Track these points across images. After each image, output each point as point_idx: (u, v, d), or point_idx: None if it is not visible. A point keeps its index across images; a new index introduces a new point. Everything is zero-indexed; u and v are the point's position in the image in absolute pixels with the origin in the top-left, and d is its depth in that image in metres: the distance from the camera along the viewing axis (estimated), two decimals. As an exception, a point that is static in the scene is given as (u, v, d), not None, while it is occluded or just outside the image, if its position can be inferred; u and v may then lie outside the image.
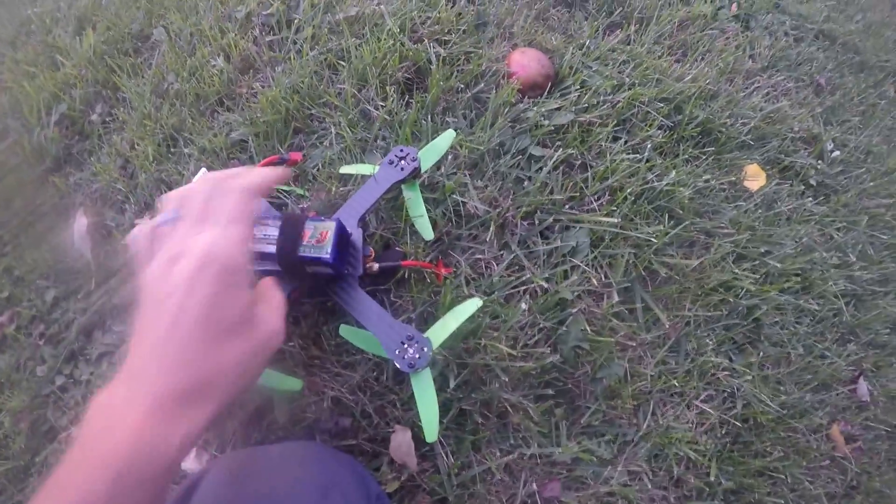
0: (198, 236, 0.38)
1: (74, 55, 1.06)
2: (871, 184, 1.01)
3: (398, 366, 0.50)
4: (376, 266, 0.60)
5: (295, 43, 0.89)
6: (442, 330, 0.53)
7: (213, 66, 0.89)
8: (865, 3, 1.57)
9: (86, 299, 0.85)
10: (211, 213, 0.40)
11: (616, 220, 0.69)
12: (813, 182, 0.94)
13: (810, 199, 0.91)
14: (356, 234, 0.57)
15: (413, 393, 0.52)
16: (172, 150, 0.86)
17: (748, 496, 0.74)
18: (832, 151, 1.01)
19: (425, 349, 0.50)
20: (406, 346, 0.51)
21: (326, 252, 0.50)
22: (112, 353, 0.79)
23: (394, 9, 0.85)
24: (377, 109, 0.77)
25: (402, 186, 0.65)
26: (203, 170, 0.55)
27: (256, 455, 0.52)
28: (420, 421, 0.52)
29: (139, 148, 0.88)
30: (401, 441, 0.62)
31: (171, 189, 0.84)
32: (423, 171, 0.64)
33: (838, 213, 0.94)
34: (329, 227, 0.51)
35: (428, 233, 0.64)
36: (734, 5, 1.12)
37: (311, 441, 0.63)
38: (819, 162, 0.97)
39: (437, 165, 0.70)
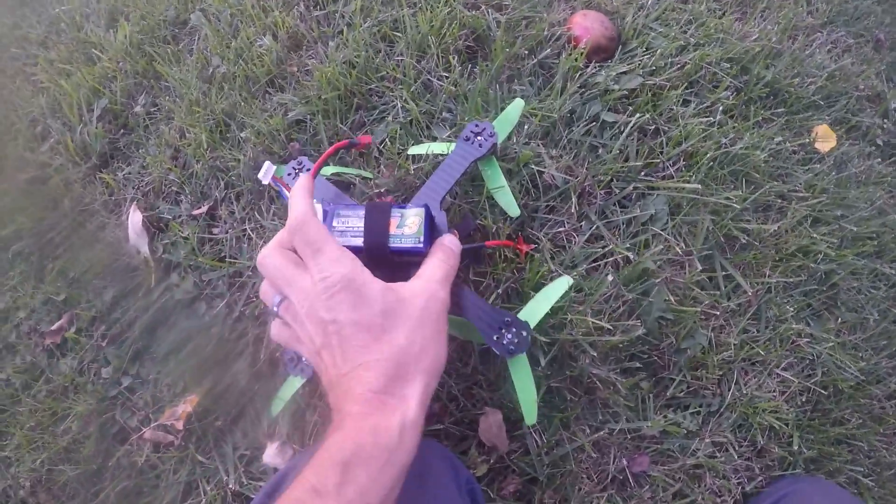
0: (305, 277, 0.40)
1: (110, 48, 1.03)
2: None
3: (497, 352, 0.49)
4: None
5: (343, 16, 0.86)
6: (536, 311, 0.52)
7: (261, 47, 0.87)
8: None
9: (146, 297, 0.83)
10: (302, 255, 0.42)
11: (696, 186, 0.67)
12: (880, 142, 0.91)
13: (878, 159, 0.88)
14: (440, 217, 0.55)
15: (503, 374, 0.51)
16: (227, 135, 0.84)
17: (828, 464, 0.72)
18: (896, 109, 0.97)
19: (524, 333, 0.49)
20: (504, 331, 0.50)
21: (419, 241, 0.48)
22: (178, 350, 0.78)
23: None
24: (440, 80, 0.74)
25: (479, 163, 0.63)
26: (267, 163, 0.53)
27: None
28: (516, 403, 0.52)
29: (190, 135, 0.86)
30: (491, 422, 0.61)
31: (227, 176, 0.82)
32: (498, 144, 0.62)
33: (904, 172, 0.91)
34: (418, 214, 0.49)
35: (514, 209, 0.62)
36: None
37: None
38: (885, 121, 0.94)
39: (509, 136, 0.68)
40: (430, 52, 0.76)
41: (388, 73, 0.77)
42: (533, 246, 0.64)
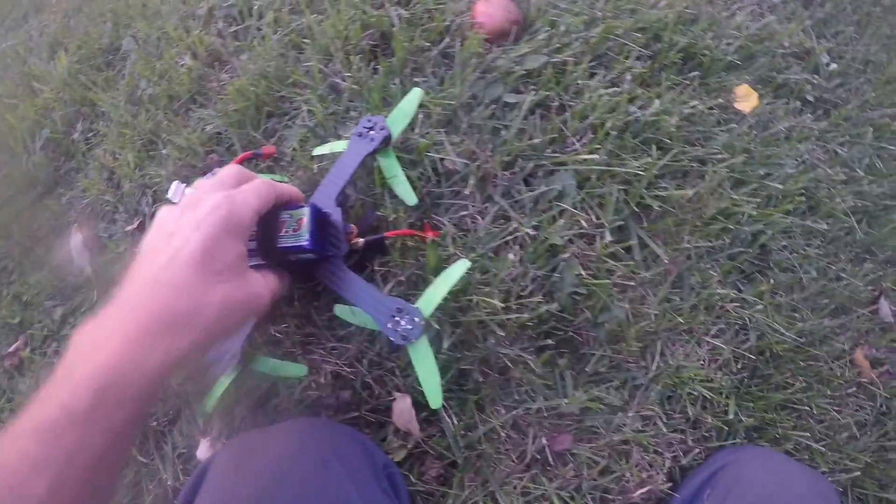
0: (215, 192, 0.43)
1: (50, 79, 1.07)
2: (873, 94, 0.96)
3: (392, 339, 0.50)
4: (361, 241, 0.59)
5: (259, 30, 0.87)
6: (433, 296, 0.52)
7: (182, 66, 0.89)
8: None
9: (91, 311, 0.86)
10: (233, 184, 0.46)
11: (598, 157, 0.67)
12: (810, 98, 0.90)
13: (809, 115, 0.87)
14: (336, 214, 0.56)
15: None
16: (152, 153, 0.86)
17: (772, 431, 0.71)
18: (828, 64, 0.96)
19: (416, 319, 0.50)
20: (397, 318, 0.50)
21: (305, 239, 0.50)
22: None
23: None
24: (344, 81, 0.75)
25: (377, 155, 0.63)
26: (175, 183, 0.56)
27: (258, 436, 0.53)
28: (421, 388, 0.51)
29: (121, 157, 0.89)
30: (402, 408, 0.61)
31: (154, 192, 0.84)
32: (394, 136, 0.62)
33: (840, 128, 0.89)
34: (304, 214, 0.51)
35: (411, 198, 0.62)
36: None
37: (312, 417, 0.62)
38: (815, 77, 0.92)
39: (411, 127, 0.68)
40: (336, 55, 0.77)
41: (297, 78, 0.78)
42: (438, 233, 0.64)
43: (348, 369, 0.63)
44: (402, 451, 0.61)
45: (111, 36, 1.04)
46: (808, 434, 0.72)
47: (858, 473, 0.71)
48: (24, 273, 0.97)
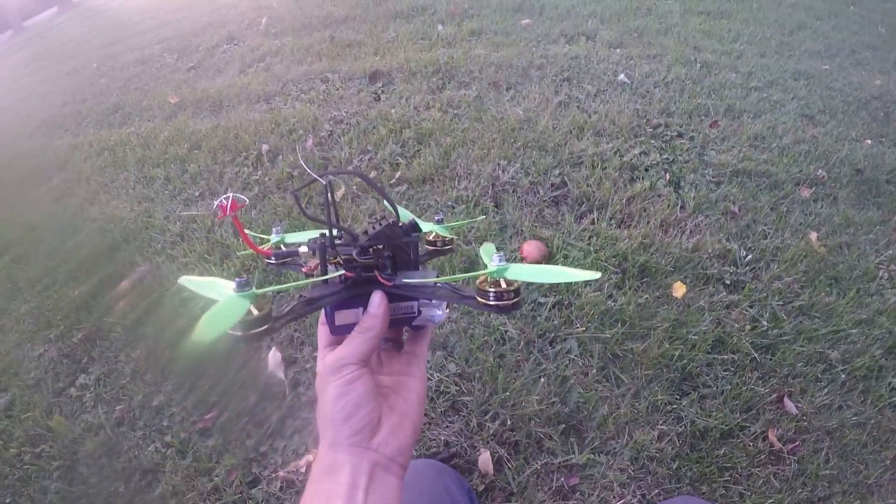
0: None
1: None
2: (777, 269, 1.56)
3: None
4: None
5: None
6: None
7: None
8: (782, 130, 2.16)
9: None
10: None
11: (588, 331, 1.33)
12: (728, 281, 1.52)
13: (724, 292, 1.49)
14: None
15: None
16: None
17: (709, 482, 1.27)
18: (746, 256, 1.58)
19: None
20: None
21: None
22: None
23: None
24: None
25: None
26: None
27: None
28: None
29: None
30: (484, 459, 1.25)
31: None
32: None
33: (751, 296, 1.50)
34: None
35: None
36: (667, 175, 1.77)
37: (432, 460, 1.27)
38: (732, 267, 1.55)
39: (494, 317, 1.38)
40: (445, 271, 1.51)
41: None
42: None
43: (453, 438, 1.29)
44: (482, 484, 1.24)
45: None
46: (740, 487, 1.26)
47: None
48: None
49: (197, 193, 2.21)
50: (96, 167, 2.61)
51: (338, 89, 2.82)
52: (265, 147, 2.35)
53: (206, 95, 3.08)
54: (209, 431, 1.40)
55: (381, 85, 2.80)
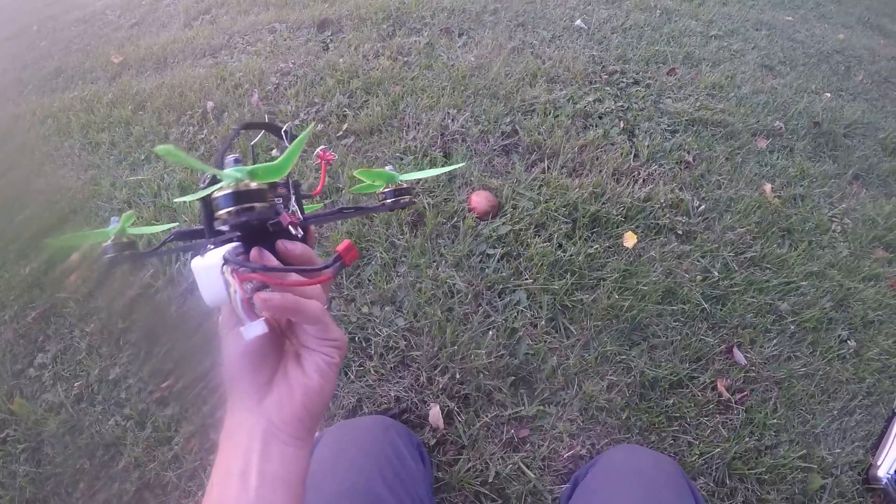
0: None
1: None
2: (731, 219, 1.54)
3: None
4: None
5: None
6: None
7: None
8: (741, 80, 2.13)
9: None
10: None
11: (538, 282, 1.28)
12: (680, 231, 1.49)
13: (676, 243, 1.46)
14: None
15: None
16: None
17: (657, 430, 1.25)
18: (699, 206, 1.55)
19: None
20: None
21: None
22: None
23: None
24: (398, 240, 1.41)
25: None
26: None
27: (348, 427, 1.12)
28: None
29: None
30: (434, 413, 1.20)
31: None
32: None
33: (703, 247, 1.48)
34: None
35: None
36: (621, 123, 1.71)
37: (382, 416, 1.22)
38: (685, 217, 1.52)
39: (436, 265, 1.32)
40: (392, 224, 1.44)
41: (372, 238, 1.45)
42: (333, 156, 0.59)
43: (404, 394, 1.23)
44: (433, 438, 1.20)
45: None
46: (688, 437, 1.25)
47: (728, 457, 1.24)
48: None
49: (142, 157, 2.06)
50: (40, 136, 2.41)
51: (285, 40, 2.65)
52: (210, 104, 2.19)
53: (150, 53, 2.86)
54: (166, 400, 1.35)
55: (329, 33, 2.64)
